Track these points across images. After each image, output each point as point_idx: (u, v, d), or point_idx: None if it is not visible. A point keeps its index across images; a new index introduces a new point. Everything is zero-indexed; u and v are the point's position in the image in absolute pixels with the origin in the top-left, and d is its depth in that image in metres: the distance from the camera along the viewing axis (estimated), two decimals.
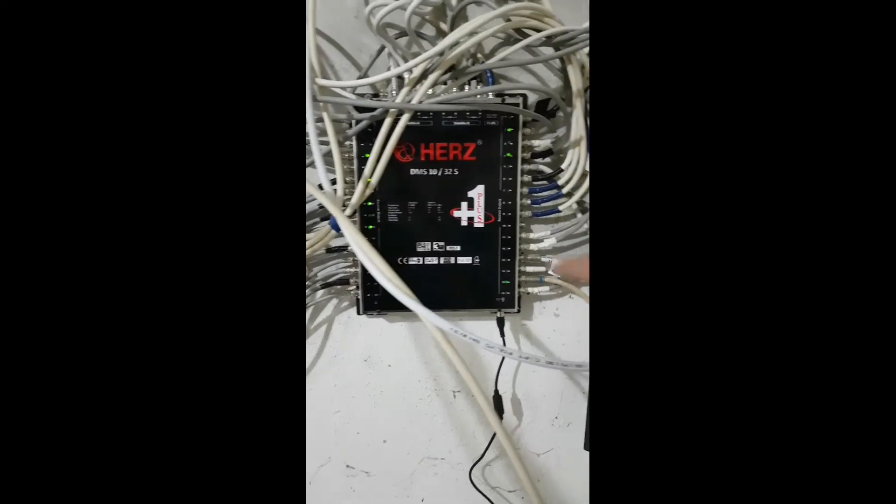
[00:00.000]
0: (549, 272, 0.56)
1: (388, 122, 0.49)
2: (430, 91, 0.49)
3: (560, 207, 0.56)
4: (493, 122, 0.52)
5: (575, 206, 0.56)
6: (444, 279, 0.56)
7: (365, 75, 0.53)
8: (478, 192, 0.54)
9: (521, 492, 0.62)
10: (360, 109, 0.51)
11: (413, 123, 0.51)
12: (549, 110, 0.54)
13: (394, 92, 0.50)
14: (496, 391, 0.59)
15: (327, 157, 0.52)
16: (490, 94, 0.51)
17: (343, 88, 0.51)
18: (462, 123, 0.52)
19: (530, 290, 0.57)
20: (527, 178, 0.54)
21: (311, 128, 0.48)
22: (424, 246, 0.55)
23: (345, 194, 0.52)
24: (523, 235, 0.56)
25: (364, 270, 0.52)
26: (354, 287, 0.56)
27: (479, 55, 0.52)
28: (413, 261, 0.55)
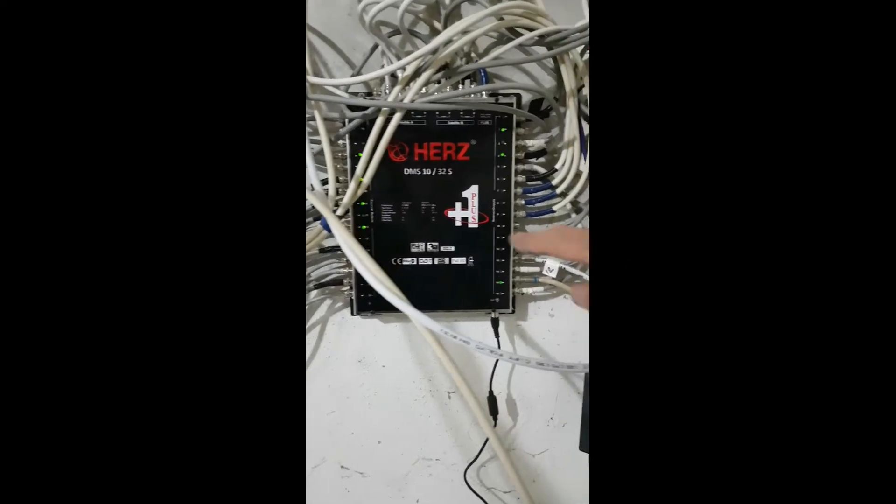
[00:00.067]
0: (513, 247, 0.55)
1: (380, 120, 0.49)
2: (423, 90, 0.49)
3: (554, 207, 0.55)
4: (487, 122, 0.52)
5: (569, 206, 0.55)
6: (439, 280, 0.55)
7: (358, 73, 0.52)
8: (472, 192, 0.54)
9: (516, 493, 0.62)
10: (352, 108, 0.51)
11: (406, 123, 0.51)
12: (542, 110, 0.54)
13: (387, 91, 0.50)
14: (491, 392, 0.59)
15: (318, 156, 0.51)
16: (483, 93, 0.51)
17: (336, 87, 0.50)
18: (456, 123, 0.52)
19: (525, 290, 0.57)
20: (521, 178, 0.54)
21: None
22: (418, 246, 0.55)
23: (338, 194, 0.52)
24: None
25: (357, 271, 0.52)
26: (348, 287, 0.56)
27: (472, 54, 0.52)
28: (407, 261, 0.55)
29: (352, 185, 0.51)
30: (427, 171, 0.53)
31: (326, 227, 0.48)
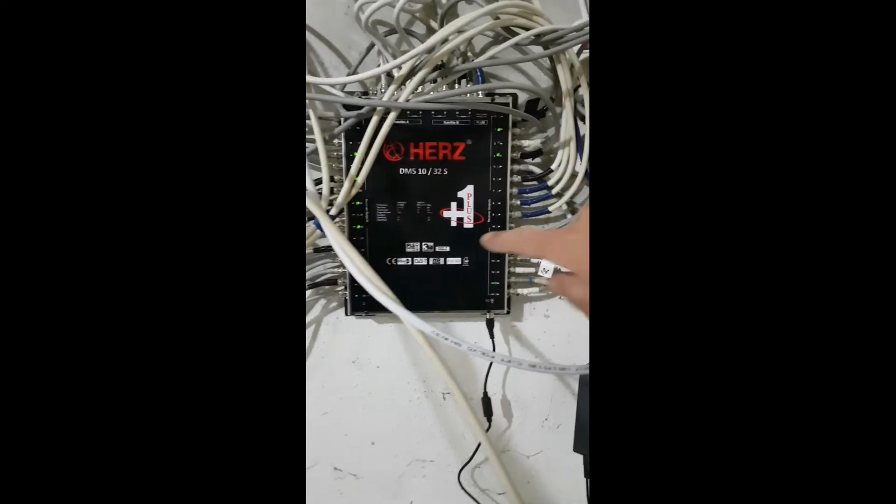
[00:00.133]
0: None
1: (374, 120, 0.49)
2: (419, 89, 0.49)
3: (550, 208, 0.55)
4: (483, 122, 0.52)
5: (565, 206, 0.55)
6: (433, 280, 0.55)
7: (354, 73, 0.52)
8: (467, 193, 0.54)
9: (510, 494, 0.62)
10: (348, 107, 0.50)
11: (402, 122, 0.51)
12: (538, 110, 0.54)
13: (383, 90, 0.50)
14: (485, 393, 0.59)
15: (312, 155, 0.51)
16: (479, 93, 0.51)
17: (332, 86, 0.50)
18: (451, 123, 0.52)
19: (520, 291, 0.57)
20: (516, 178, 0.54)
21: None
22: (413, 246, 0.55)
23: (332, 193, 0.52)
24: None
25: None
26: (342, 288, 0.55)
27: (468, 53, 0.52)
28: (402, 261, 0.55)
29: (346, 185, 0.51)
30: (422, 171, 0.53)
31: (320, 226, 0.48)
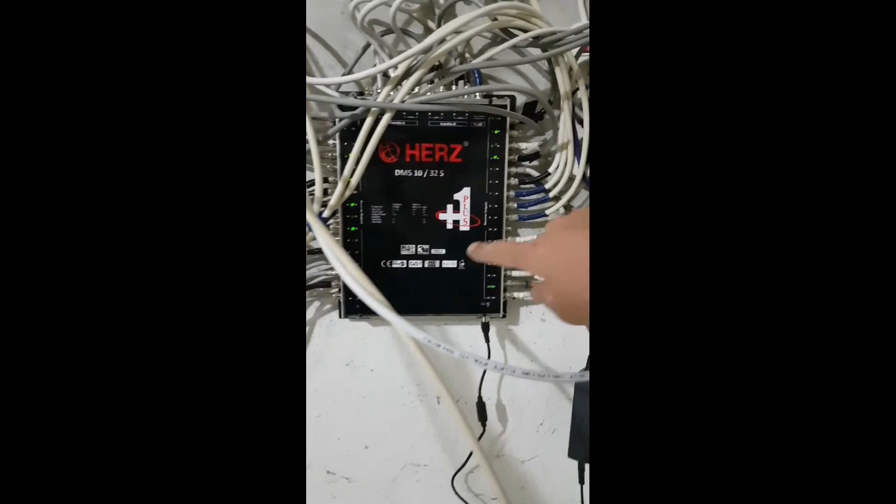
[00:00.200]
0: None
1: (369, 121, 0.48)
2: (415, 90, 0.48)
3: (547, 211, 0.55)
4: (480, 124, 0.51)
5: (562, 210, 0.55)
6: (429, 283, 0.55)
7: (350, 72, 0.52)
8: (464, 195, 0.53)
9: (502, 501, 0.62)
10: (343, 108, 0.50)
11: (398, 123, 0.50)
12: (536, 113, 0.53)
13: (379, 90, 0.49)
14: (480, 398, 0.58)
15: (305, 156, 0.50)
16: (477, 94, 0.50)
17: (327, 86, 0.49)
18: (448, 124, 0.51)
19: (516, 294, 0.56)
20: (513, 181, 0.53)
21: None
22: (409, 249, 0.54)
23: (327, 195, 0.51)
24: (509, 239, 0.55)
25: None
26: (336, 290, 0.55)
27: (466, 54, 0.52)
28: (397, 264, 0.54)
29: (339, 187, 0.50)
30: (418, 173, 0.52)
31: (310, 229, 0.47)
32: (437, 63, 0.49)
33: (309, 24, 0.51)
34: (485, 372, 0.58)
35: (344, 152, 0.50)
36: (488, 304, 0.56)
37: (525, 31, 0.47)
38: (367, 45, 0.51)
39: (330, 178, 0.52)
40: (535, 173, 0.54)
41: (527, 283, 0.56)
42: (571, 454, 0.55)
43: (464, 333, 0.58)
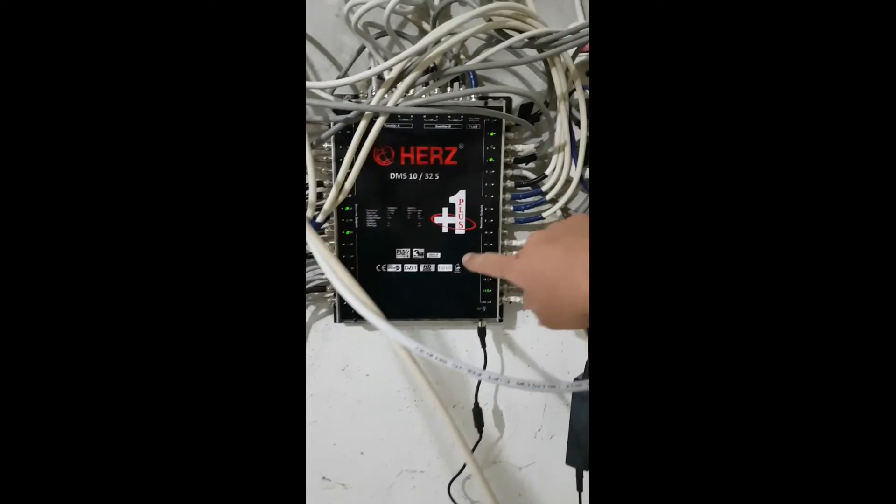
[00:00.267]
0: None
1: (363, 124, 0.48)
2: (410, 92, 0.48)
3: (544, 214, 0.54)
4: (476, 126, 0.51)
5: (559, 212, 0.54)
6: (424, 287, 0.54)
7: (344, 75, 0.51)
8: (459, 198, 0.52)
9: None
10: (337, 111, 0.49)
11: (393, 126, 0.50)
12: (532, 114, 0.53)
13: (373, 93, 0.49)
14: (476, 403, 0.57)
15: None
16: (472, 96, 0.49)
17: (322, 89, 0.49)
18: (443, 127, 0.51)
19: (513, 299, 0.56)
20: (510, 183, 0.53)
21: None
22: (404, 253, 0.53)
23: (321, 199, 0.51)
24: (506, 243, 0.54)
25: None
26: (331, 294, 0.54)
27: (461, 56, 0.51)
28: (392, 268, 0.54)
29: (332, 191, 0.50)
30: (413, 176, 0.52)
31: None
32: (431, 65, 0.48)
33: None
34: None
35: (339, 156, 0.50)
36: (484, 308, 0.55)
37: (521, 31, 0.47)
38: (362, 48, 0.51)
39: (325, 182, 0.51)
40: (531, 176, 0.54)
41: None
42: (570, 461, 0.54)
43: (460, 338, 0.58)
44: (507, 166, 0.52)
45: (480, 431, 0.57)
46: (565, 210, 0.55)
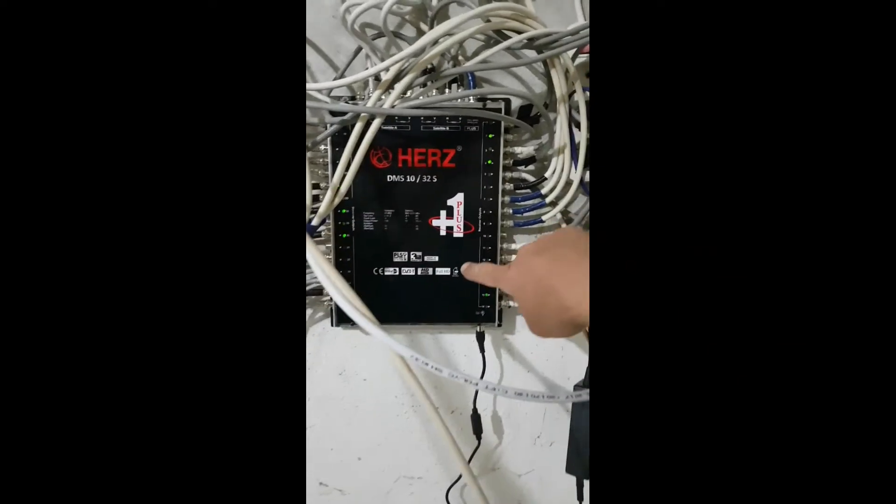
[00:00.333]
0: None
1: (359, 126, 0.47)
2: (408, 94, 0.47)
3: (543, 217, 0.53)
4: (474, 128, 0.50)
5: (559, 215, 0.53)
6: (422, 291, 0.53)
7: (341, 76, 0.51)
8: (457, 201, 0.52)
9: None
10: (334, 113, 0.49)
11: (390, 128, 0.49)
12: (532, 116, 0.52)
13: (370, 95, 0.48)
14: (475, 410, 0.57)
15: None
16: (470, 98, 0.49)
17: (318, 90, 0.48)
18: (441, 129, 0.50)
19: (511, 303, 0.55)
20: (508, 186, 0.52)
21: None
22: (401, 256, 0.53)
23: (317, 201, 0.50)
24: (505, 246, 0.53)
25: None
26: (328, 298, 0.54)
27: (460, 57, 0.50)
28: (389, 271, 0.53)
29: (328, 194, 0.49)
30: (411, 178, 0.51)
31: None
32: (429, 66, 0.48)
33: None
34: None
35: (335, 158, 0.49)
36: (483, 312, 0.54)
37: (519, 32, 0.46)
38: (359, 49, 0.50)
39: (321, 185, 0.51)
40: (530, 178, 0.53)
41: None
42: (570, 469, 0.54)
43: (458, 343, 0.57)
44: (505, 168, 0.51)
45: (479, 438, 0.57)
46: (565, 213, 0.54)
